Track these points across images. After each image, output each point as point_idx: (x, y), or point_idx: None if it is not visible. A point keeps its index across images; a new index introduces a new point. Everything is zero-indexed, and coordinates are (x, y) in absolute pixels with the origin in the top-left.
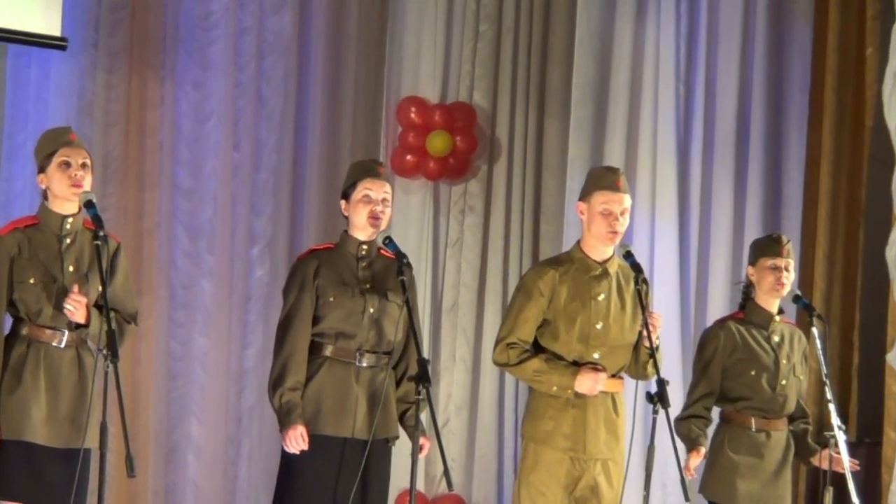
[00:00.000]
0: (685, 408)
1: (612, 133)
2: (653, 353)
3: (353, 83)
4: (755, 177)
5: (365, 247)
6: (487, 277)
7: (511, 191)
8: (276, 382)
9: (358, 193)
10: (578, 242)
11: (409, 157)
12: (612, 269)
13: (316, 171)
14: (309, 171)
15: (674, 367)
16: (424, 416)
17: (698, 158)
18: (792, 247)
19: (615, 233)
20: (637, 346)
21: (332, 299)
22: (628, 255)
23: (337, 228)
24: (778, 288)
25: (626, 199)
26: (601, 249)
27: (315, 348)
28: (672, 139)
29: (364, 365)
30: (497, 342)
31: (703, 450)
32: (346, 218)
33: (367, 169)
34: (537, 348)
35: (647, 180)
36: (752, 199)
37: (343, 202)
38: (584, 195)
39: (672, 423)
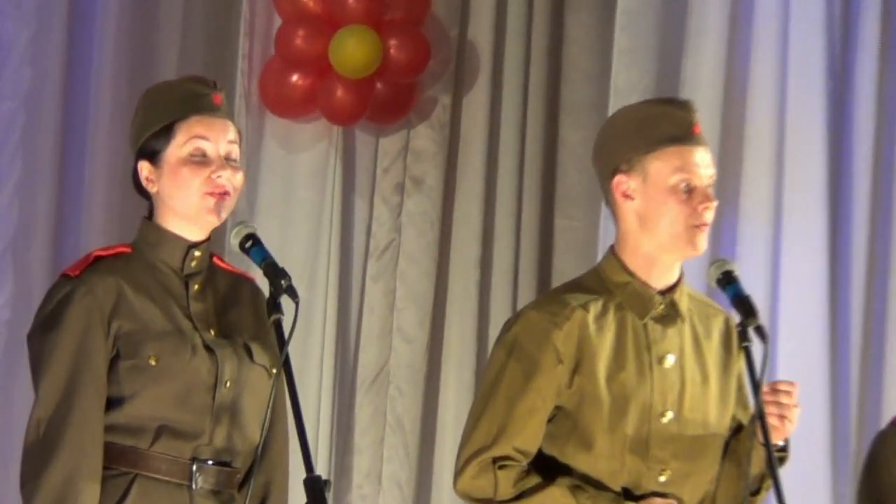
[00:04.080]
0: None
1: (701, 37)
2: (772, 467)
3: None
4: None
5: (197, 252)
6: (448, 319)
7: (496, 149)
8: None
9: (179, 148)
10: (613, 253)
11: (294, 77)
12: (684, 304)
13: (109, 101)
14: (96, 100)
15: (817, 500)
16: None
17: (869, 84)
18: None
19: (705, 225)
20: (730, 450)
21: (153, 362)
22: (727, 280)
23: (139, 211)
24: None
25: (711, 158)
26: (667, 266)
27: (113, 457)
28: (818, 47)
29: (202, 487)
30: (468, 455)
31: None
32: (150, 197)
33: (192, 96)
34: (542, 465)
35: (770, 136)
36: None
37: (144, 165)
38: (628, 159)
39: None
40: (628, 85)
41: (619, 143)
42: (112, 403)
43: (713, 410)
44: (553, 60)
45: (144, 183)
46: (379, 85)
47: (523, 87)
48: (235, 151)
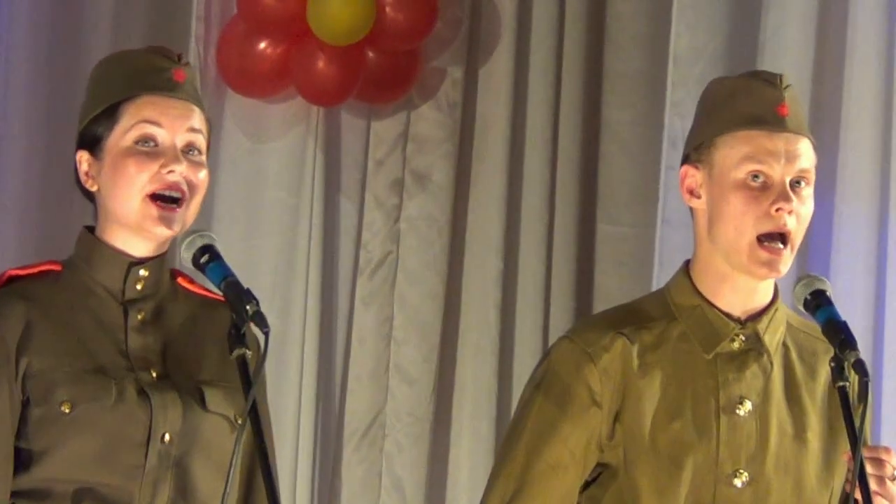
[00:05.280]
0: None
1: None
2: None
3: None
4: None
5: (143, 272)
6: (460, 354)
7: (522, 134)
8: None
9: (123, 134)
10: (686, 269)
11: (263, 44)
12: (773, 336)
13: (23, 77)
14: (6, 77)
15: None
16: None
17: None
18: None
19: (783, 234)
20: None
21: (66, 410)
22: (818, 302)
23: (83, 219)
24: None
25: (806, 148)
26: (748, 287)
27: None
28: None
29: None
30: None
31: None
32: (93, 198)
33: (145, 71)
34: None
35: (874, 117)
36: None
37: (84, 156)
38: (697, 146)
39: None
40: (691, 51)
41: (696, 128)
42: (21, 462)
43: (812, 475)
44: (594, 19)
45: (83, 179)
46: (371, 54)
47: (556, 55)
48: (199, 142)
